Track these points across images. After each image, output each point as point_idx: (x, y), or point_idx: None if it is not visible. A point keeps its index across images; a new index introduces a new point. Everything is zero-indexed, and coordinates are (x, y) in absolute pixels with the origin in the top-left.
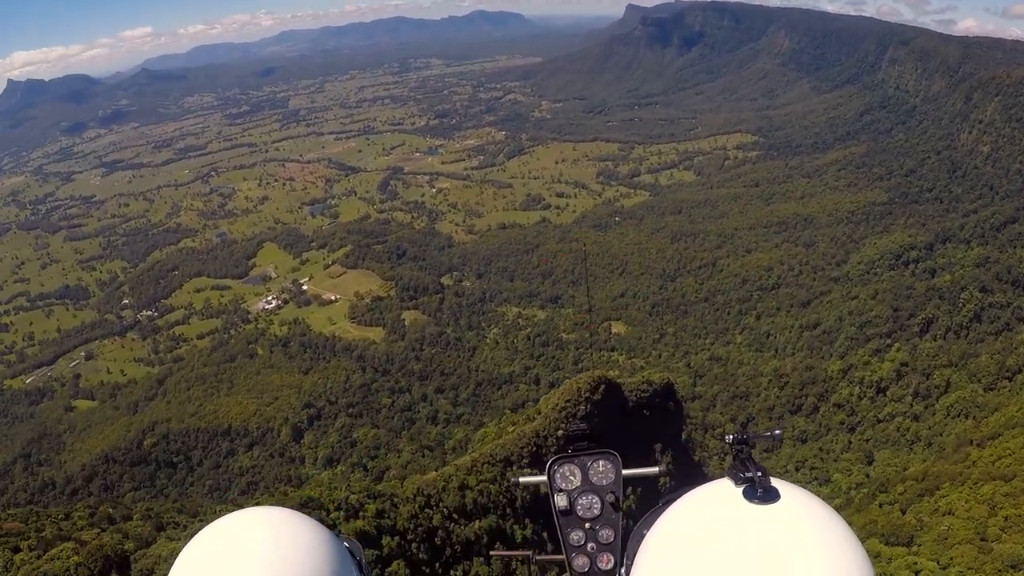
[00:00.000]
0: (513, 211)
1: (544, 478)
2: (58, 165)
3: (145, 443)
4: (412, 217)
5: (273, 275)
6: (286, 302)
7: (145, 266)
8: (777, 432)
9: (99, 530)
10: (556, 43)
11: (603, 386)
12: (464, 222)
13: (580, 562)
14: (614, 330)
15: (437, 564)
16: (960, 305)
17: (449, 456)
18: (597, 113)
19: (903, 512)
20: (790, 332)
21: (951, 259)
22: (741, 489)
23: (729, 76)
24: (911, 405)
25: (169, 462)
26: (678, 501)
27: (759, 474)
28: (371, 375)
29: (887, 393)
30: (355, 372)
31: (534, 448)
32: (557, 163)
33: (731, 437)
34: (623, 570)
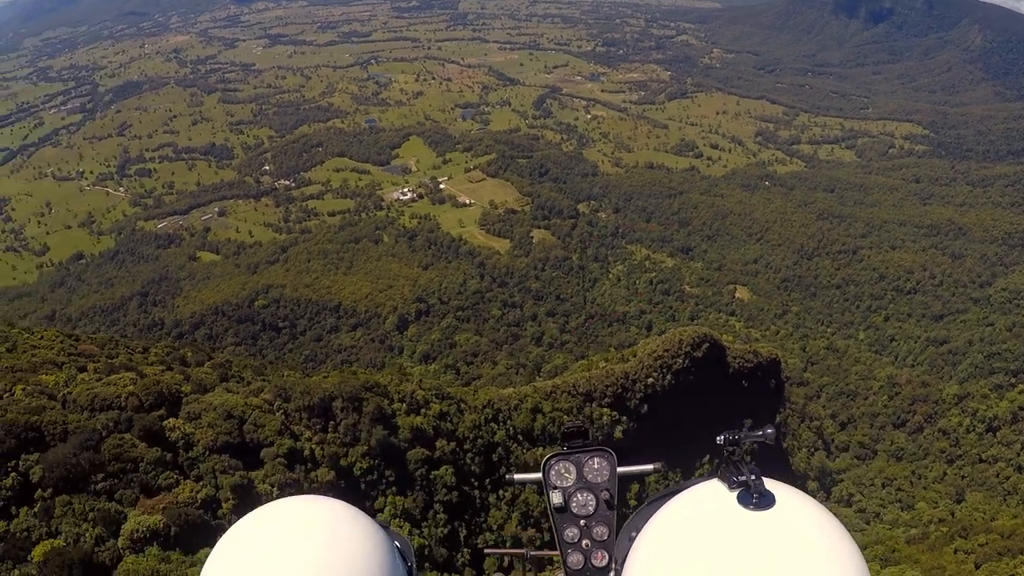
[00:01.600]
0: (664, 153)
1: (539, 475)
2: (223, 31)
3: (256, 303)
4: (562, 139)
5: (413, 168)
6: (421, 196)
7: (291, 138)
8: (770, 431)
9: (166, 368)
10: None
11: (707, 344)
12: (612, 154)
13: (575, 559)
14: (738, 295)
15: (488, 480)
16: None
17: (542, 379)
18: (768, 72)
19: (976, 567)
20: (915, 343)
21: None
22: (735, 494)
23: (911, 61)
24: (1018, 453)
25: (274, 325)
26: (668, 504)
27: (753, 478)
28: (487, 284)
29: (997, 434)
30: (472, 278)
31: (619, 389)
32: (717, 114)
33: (722, 438)
34: (612, 575)
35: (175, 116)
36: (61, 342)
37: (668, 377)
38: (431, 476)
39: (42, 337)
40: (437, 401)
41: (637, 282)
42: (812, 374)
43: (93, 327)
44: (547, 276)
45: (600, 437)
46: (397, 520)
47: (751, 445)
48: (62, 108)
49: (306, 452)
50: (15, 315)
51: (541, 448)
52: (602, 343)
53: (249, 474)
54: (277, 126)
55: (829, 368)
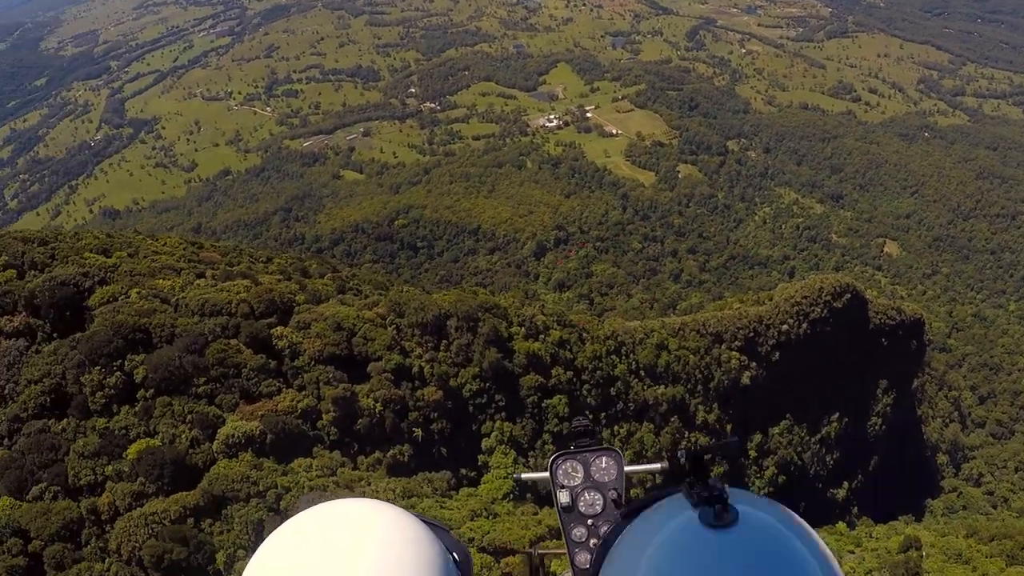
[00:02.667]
0: (819, 94)
1: (546, 474)
2: None
3: (396, 222)
4: (714, 72)
5: (561, 95)
6: (567, 124)
7: (438, 61)
8: (734, 439)
9: (285, 279)
10: None
11: (849, 295)
12: (766, 91)
13: (582, 558)
14: (886, 249)
15: (603, 415)
16: None
17: (676, 315)
18: (935, 14)
19: None
20: None
21: None
22: (697, 512)
23: None
24: None
25: (412, 245)
26: (635, 522)
27: (715, 494)
28: (629, 216)
29: None
30: (615, 209)
31: (750, 333)
32: (879, 56)
33: (683, 454)
34: None
35: (322, 38)
36: (184, 249)
37: (804, 325)
38: (543, 405)
39: (165, 244)
40: (558, 328)
41: (783, 226)
42: (956, 341)
43: (236, 240)
44: (691, 212)
45: (726, 382)
46: (503, 447)
47: (717, 456)
48: (211, 31)
49: (415, 369)
50: (163, 227)
51: (662, 387)
52: (741, 285)
53: (353, 387)
54: (424, 49)
55: (974, 337)
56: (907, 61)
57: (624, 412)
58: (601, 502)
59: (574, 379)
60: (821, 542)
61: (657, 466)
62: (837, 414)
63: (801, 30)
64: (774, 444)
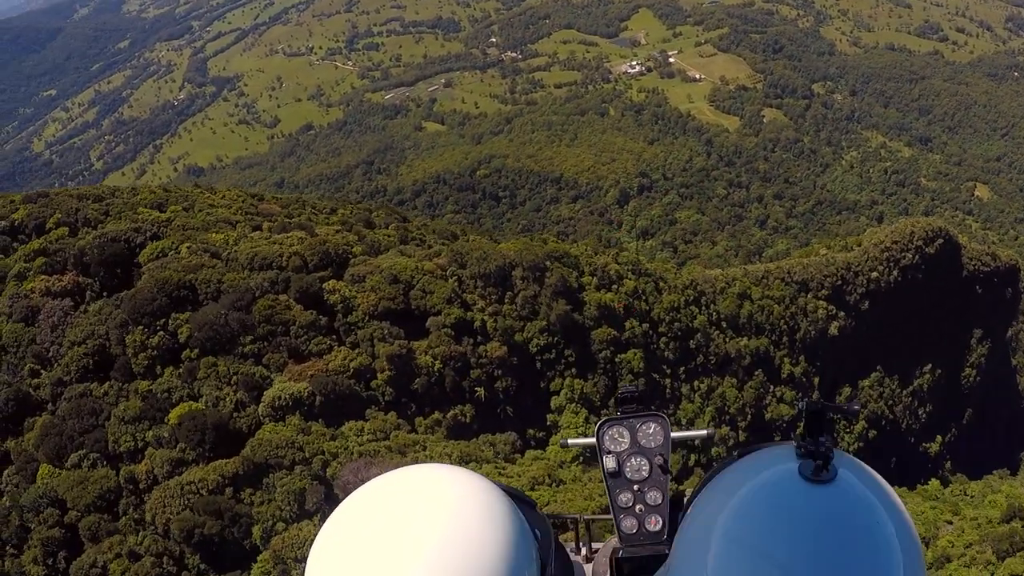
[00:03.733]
0: (906, 34)
1: (593, 440)
2: None
3: (478, 172)
4: (798, 14)
5: (643, 41)
6: (649, 70)
7: (518, 10)
8: (856, 406)
9: (345, 230)
10: None
11: (941, 241)
12: (851, 32)
13: (628, 524)
14: (977, 193)
15: (682, 369)
16: None
17: (760, 263)
18: None
19: None
20: None
21: None
22: (797, 464)
23: None
24: None
25: (495, 195)
26: (733, 465)
27: (821, 450)
28: (714, 162)
29: None
30: (699, 155)
31: (838, 281)
32: None
33: (803, 404)
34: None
35: None
36: (243, 202)
37: (895, 273)
38: (616, 360)
39: (223, 197)
40: (633, 277)
41: (871, 170)
42: None
43: (319, 193)
44: (776, 158)
45: (813, 333)
46: (574, 405)
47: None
48: None
49: (477, 323)
50: (246, 183)
51: (747, 339)
52: (829, 231)
53: (410, 344)
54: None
55: None
56: None
57: (704, 366)
58: (647, 467)
59: (650, 331)
60: (907, 520)
61: (704, 432)
62: (930, 365)
63: None
64: (864, 397)
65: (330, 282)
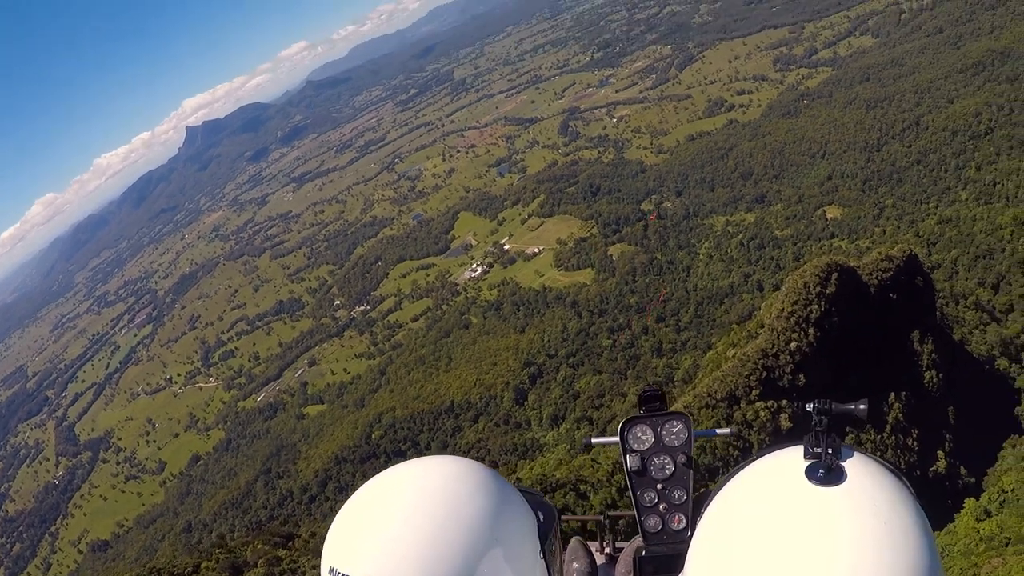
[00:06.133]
0: (698, 120)
1: (616, 439)
2: (251, 192)
3: (373, 436)
4: (599, 152)
5: (474, 243)
6: (491, 266)
7: (350, 264)
8: (862, 407)
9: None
10: None
11: (835, 274)
12: (651, 144)
13: (652, 522)
14: (829, 215)
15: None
16: None
17: (678, 389)
18: (759, 2)
19: None
20: (1018, 175)
21: None
22: (805, 466)
23: None
24: None
25: (397, 451)
26: (744, 469)
27: (828, 451)
28: (587, 319)
29: None
30: (571, 319)
31: (762, 372)
32: (730, 62)
33: (812, 404)
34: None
35: (237, 290)
36: None
37: (811, 331)
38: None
39: None
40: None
41: (728, 250)
42: (938, 254)
43: (228, 524)
44: (641, 285)
45: (767, 438)
46: None
47: (835, 415)
48: (131, 325)
49: None
50: (155, 540)
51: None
52: (722, 324)
53: None
54: (333, 259)
55: (951, 240)
56: (756, 53)
57: None
58: (672, 466)
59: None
60: (917, 521)
61: (727, 431)
62: (892, 394)
63: (654, 76)
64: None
65: None
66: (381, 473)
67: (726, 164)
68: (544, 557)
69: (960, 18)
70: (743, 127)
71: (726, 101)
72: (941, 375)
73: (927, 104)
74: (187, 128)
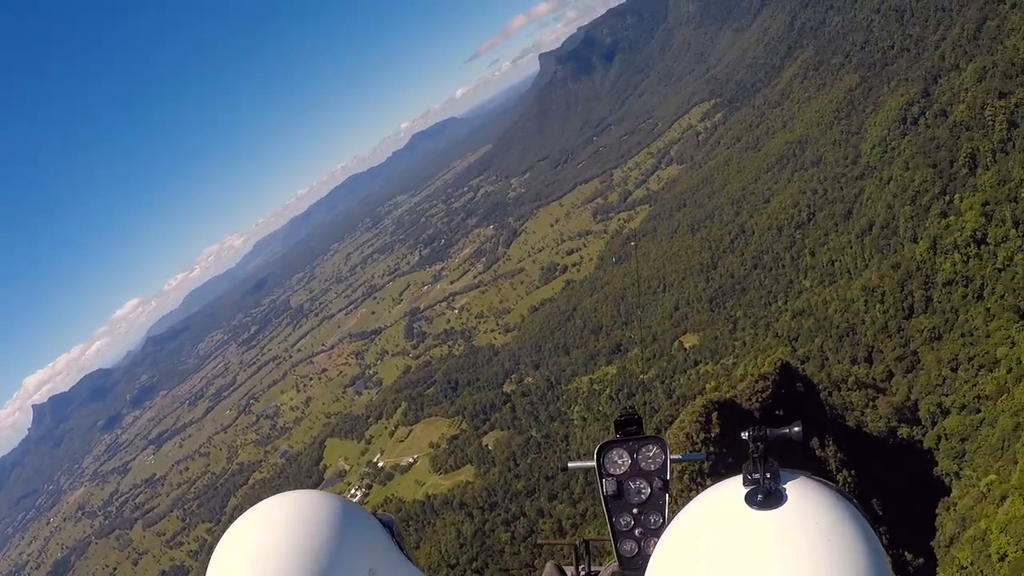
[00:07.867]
0: (536, 291)
1: (593, 463)
2: (111, 462)
3: None
4: (448, 347)
5: (347, 467)
6: (370, 487)
7: (226, 518)
8: (796, 429)
9: None
10: (496, 123)
11: (714, 412)
12: (497, 325)
13: (627, 547)
14: (687, 344)
15: None
16: (990, 125)
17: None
18: (564, 163)
19: None
20: (851, 248)
21: (953, 89)
22: (744, 492)
23: (657, 64)
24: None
25: None
26: (689, 503)
27: (767, 476)
28: (480, 517)
29: (988, 239)
30: (463, 522)
31: None
32: (552, 226)
33: (747, 432)
34: None
35: (114, 568)
36: None
37: (708, 482)
38: None
39: None
40: None
41: (599, 406)
42: (803, 347)
43: None
44: (523, 467)
45: None
46: None
47: (772, 441)
48: None
49: None
50: None
51: None
52: None
53: None
54: (208, 516)
55: (809, 330)
56: (573, 210)
57: None
58: (648, 490)
59: None
60: (861, 539)
61: (702, 455)
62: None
63: (484, 258)
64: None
65: None
66: (237, 520)
67: (574, 324)
68: (404, 552)
69: (752, 123)
70: (581, 284)
71: (558, 264)
72: (853, 472)
73: (747, 210)
74: (33, 407)
